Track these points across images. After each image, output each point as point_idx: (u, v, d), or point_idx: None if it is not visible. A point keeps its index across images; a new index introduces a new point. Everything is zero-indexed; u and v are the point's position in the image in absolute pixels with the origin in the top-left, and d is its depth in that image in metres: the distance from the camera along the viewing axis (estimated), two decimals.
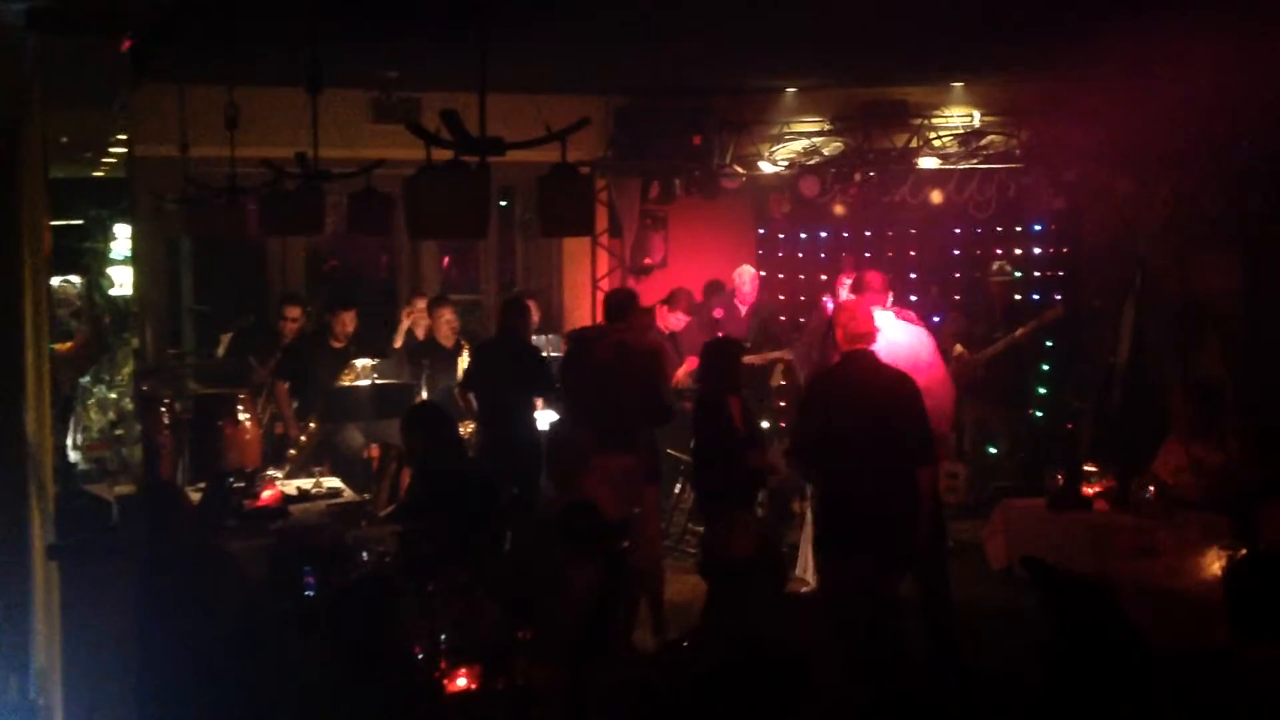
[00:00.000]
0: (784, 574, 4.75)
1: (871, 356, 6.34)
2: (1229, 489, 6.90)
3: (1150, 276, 9.84)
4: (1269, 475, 6.82)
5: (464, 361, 9.42)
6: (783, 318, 11.34)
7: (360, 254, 13.58)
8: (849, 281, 8.81)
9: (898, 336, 7.18)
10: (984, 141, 10.22)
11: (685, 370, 9.89)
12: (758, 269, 11.22)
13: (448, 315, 9.77)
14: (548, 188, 4.87)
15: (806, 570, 8.33)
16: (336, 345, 9.49)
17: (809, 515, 8.51)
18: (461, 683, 4.60)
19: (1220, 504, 6.66)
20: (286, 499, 7.32)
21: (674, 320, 9.97)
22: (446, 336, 9.72)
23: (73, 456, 7.52)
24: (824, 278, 11.22)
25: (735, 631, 3.82)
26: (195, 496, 7.11)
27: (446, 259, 12.90)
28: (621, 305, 7.98)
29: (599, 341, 7.92)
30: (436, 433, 6.81)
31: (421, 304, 10.20)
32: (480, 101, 4.59)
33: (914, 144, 10.27)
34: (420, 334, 10.02)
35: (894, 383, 6.25)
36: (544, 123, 4.80)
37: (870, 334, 6.33)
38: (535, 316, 10.15)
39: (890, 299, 7.69)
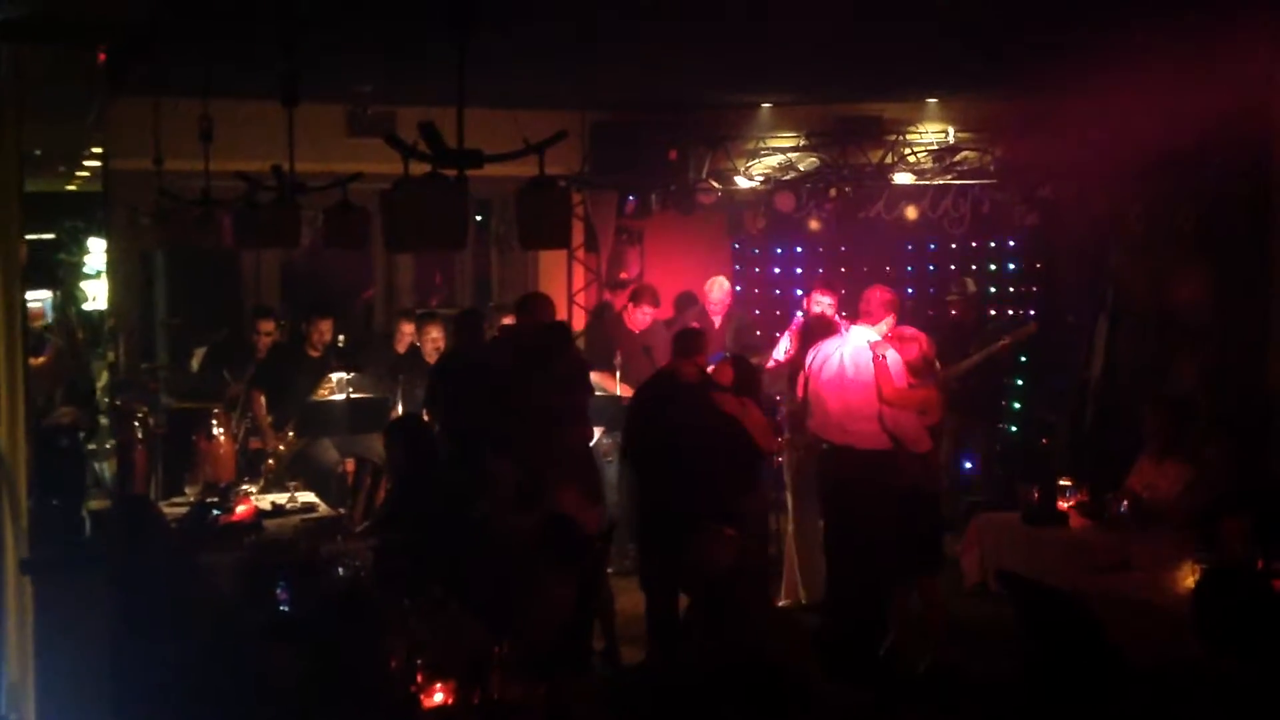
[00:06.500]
0: (765, 586, 4.76)
1: (689, 371, 7.18)
2: (1201, 504, 6.94)
3: (1123, 291, 9.89)
4: (1229, 489, 6.88)
5: None
6: (759, 332, 11.31)
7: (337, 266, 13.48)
8: (823, 299, 8.71)
9: (860, 359, 7.19)
10: (958, 157, 10.29)
11: None
12: (733, 284, 11.20)
13: (434, 333, 9.65)
14: (526, 200, 4.86)
15: (795, 586, 8.34)
16: (314, 354, 9.47)
17: (790, 531, 8.52)
18: (438, 698, 4.57)
19: (1192, 518, 6.69)
20: (260, 513, 7.29)
21: (639, 317, 9.56)
22: (430, 354, 9.66)
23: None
24: (799, 292, 11.21)
25: (718, 644, 3.83)
26: (172, 513, 7.07)
27: (439, 275, 12.85)
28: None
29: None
30: (417, 445, 6.81)
31: (408, 325, 10.12)
32: (458, 113, 4.58)
33: (889, 160, 10.32)
34: (401, 348, 9.96)
35: (707, 397, 7.06)
36: (522, 137, 4.79)
37: (691, 354, 7.21)
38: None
39: (891, 320, 7.41)
